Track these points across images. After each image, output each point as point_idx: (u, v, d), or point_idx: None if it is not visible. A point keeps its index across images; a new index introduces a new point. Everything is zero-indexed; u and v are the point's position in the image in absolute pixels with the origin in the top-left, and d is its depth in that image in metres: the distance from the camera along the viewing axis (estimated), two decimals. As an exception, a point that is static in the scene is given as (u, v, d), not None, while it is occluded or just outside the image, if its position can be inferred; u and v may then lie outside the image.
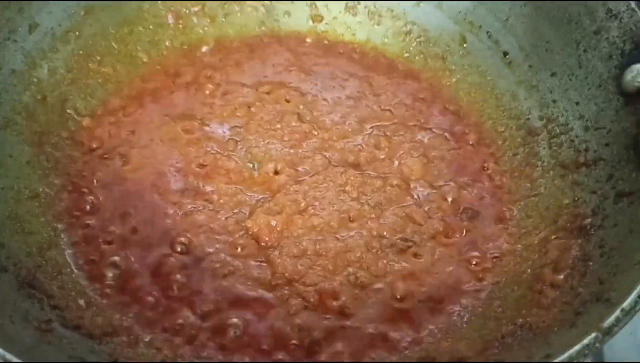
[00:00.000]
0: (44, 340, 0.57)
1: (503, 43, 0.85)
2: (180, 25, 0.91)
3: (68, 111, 0.80)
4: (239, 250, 0.71)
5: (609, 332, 0.50)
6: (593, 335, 0.50)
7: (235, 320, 0.65)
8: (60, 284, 0.66)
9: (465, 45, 0.88)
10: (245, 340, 0.64)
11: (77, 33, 0.83)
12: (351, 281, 0.69)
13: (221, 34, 0.92)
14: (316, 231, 0.72)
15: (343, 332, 0.65)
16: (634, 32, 0.70)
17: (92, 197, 0.74)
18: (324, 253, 0.70)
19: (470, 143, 0.82)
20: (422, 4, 0.91)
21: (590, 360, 0.73)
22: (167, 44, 0.90)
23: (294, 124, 0.82)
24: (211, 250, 0.70)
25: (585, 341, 0.49)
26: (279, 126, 0.82)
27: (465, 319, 0.66)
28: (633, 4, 0.71)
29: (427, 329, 0.66)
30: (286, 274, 0.68)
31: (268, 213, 0.73)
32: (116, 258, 0.69)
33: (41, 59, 0.79)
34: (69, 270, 0.68)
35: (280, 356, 0.64)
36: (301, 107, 0.85)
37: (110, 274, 0.68)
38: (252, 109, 0.84)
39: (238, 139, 0.80)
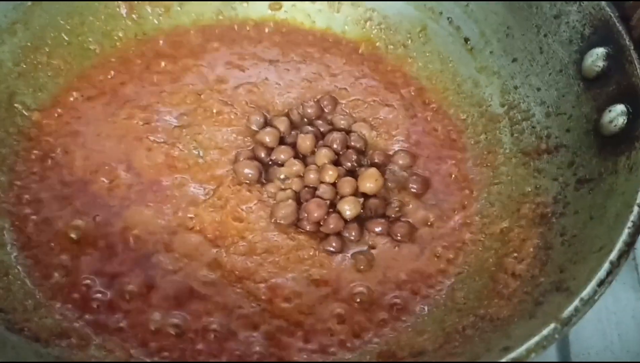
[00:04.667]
0: (-16, 346, 0.54)
1: (464, 29, 0.84)
2: (134, 15, 0.88)
3: (16, 105, 0.77)
4: (187, 246, 0.69)
5: (567, 323, 0.49)
6: (552, 326, 0.49)
7: (187, 319, 0.64)
8: (6, 286, 0.63)
9: (426, 31, 0.87)
10: (198, 339, 0.62)
11: (25, 24, 0.80)
12: (305, 279, 0.67)
13: (176, 23, 0.90)
14: (264, 226, 0.71)
15: (299, 327, 0.64)
16: (593, 16, 0.69)
17: (40, 195, 0.71)
18: (274, 250, 0.69)
19: (433, 130, 0.81)
20: (381, -10, 0.90)
21: (556, 361, 0.72)
22: (120, 34, 0.87)
23: (242, 109, 0.81)
24: (160, 247, 0.68)
25: (544, 332, 0.48)
26: (226, 111, 0.81)
27: (426, 311, 0.65)
28: (592, -13, 0.70)
29: (388, 323, 0.64)
30: (236, 272, 0.67)
31: (212, 207, 0.72)
32: (64, 257, 0.67)
33: (-14, 52, 0.76)
34: (15, 271, 0.65)
35: (237, 353, 0.62)
36: (254, 91, 0.83)
37: (58, 274, 0.65)
38: (202, 96, 0.82)
39: (185, 126, 0.79)
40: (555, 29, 0.73)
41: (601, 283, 0.51)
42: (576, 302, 0.50)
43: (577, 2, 0.70)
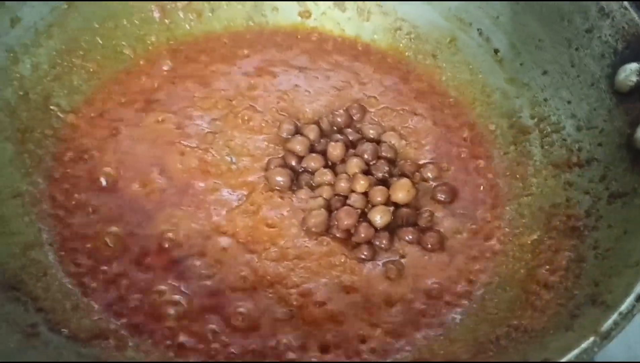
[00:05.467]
0: (29, 344, 0.55)
1: (494, 40, 0.84)
2: (167, 21, 0.89)
3: (51, 107, 0.78)
4: (220, 251, 0.69)
5: (607, 336, 0.50)
6: (591, 339, 0.49)
7: (220, 323, 0.64)
8: (45, 286, 0.64)
9: (456, 42, 0.88)
10: (230, 342, 0.63)
11: (61, 28, 0.81)
12: (336, 285, 0.68)
13: (208, 29, 0.91)
14: (295, 232, 0.71)
15: (330, 335, 0.64)
16: (627, 31, 0.69)
17: (76, 196, 0.72)
18: (306, 256, 0.70)
19: (462, 140, 0.82)
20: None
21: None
22: (153, 39, 0.88)
23: (272, 116, 0.82)
24: (194, 251, 0.69)
25: (584, 345, 0.49)
26: (257, 118, 0.82)
27: (458, 321, 0.66)
28: (626, 3, 0.70)
29: (420, 332, 0.65)
30: (268, 277, 0.68)
31: (245, 213, 0.72)
32: (100, 258, 0.68)
33: (23, 54, 0.77)
34: (54, 271, 0.66)
35: (270, 358, 0.63)
36: (284, 98, 0.84)
37: (95, 275, 0.66)
38: (233, 102, 0.83)
39: (217, 132, 0.80)
40: (587, 43, 0.73)
41: (639, 298, 0.51)
42: (614, 316, 0.50)
43: (610, 17, 0.71)
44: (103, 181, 0.74)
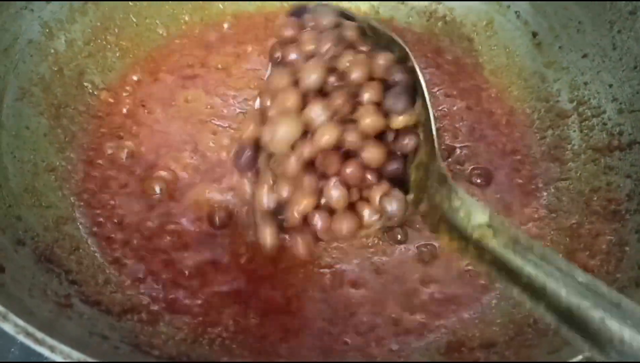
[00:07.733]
0: (63, 315, 0.55)
1: (532, 23, 0.83)
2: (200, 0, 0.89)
3: (85, 84, 0.78)
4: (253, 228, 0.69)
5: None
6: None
7: (252, 301, 0.64)
8: (78, 259, 0.64)
9: (492, 25, 0.86)
10: (263, 322, 0.63)
11: (95, 5, 0.81)
12: (368, 266, 0.67)
13: (241, 9, 0.90)
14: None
15: (363, 316, 0.64)
16: (672, 12, 0.68)
17: (108, 173, 0.72)
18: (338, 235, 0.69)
19: (497, 124, 0.80)
20: (447, -18, 0.89)
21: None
22: (186, 18, 0.88)
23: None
24: (227, 229, 0.69)
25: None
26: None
27: (494, 303, 0.65)
28: (672, -16, 0.69)
29: (455, 314, 0.64)
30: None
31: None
32: (131, 234, 0.67)
33: (58, 30, 0.77)
34: (86, 245, 0.66)
35: (302, 337, 0.62)
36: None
37: (126, 251, 0.66)
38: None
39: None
40: (631, 25, 0.71)
41: (687, 280, 0.50)
42: (664, 296, 0.49)
43: (656, -1, 0.69)
44: (135, 158, 0.74)
